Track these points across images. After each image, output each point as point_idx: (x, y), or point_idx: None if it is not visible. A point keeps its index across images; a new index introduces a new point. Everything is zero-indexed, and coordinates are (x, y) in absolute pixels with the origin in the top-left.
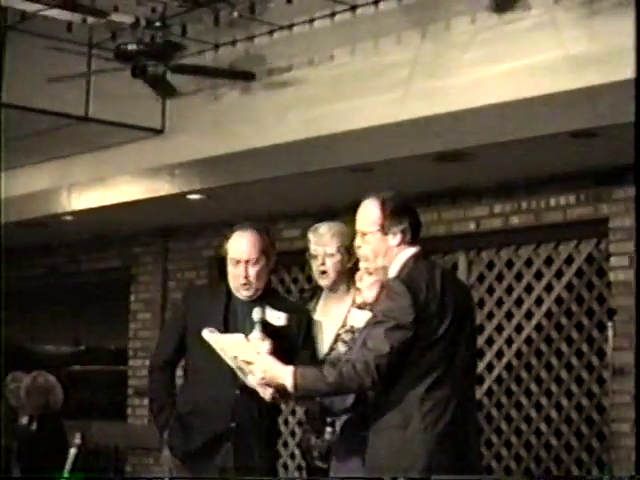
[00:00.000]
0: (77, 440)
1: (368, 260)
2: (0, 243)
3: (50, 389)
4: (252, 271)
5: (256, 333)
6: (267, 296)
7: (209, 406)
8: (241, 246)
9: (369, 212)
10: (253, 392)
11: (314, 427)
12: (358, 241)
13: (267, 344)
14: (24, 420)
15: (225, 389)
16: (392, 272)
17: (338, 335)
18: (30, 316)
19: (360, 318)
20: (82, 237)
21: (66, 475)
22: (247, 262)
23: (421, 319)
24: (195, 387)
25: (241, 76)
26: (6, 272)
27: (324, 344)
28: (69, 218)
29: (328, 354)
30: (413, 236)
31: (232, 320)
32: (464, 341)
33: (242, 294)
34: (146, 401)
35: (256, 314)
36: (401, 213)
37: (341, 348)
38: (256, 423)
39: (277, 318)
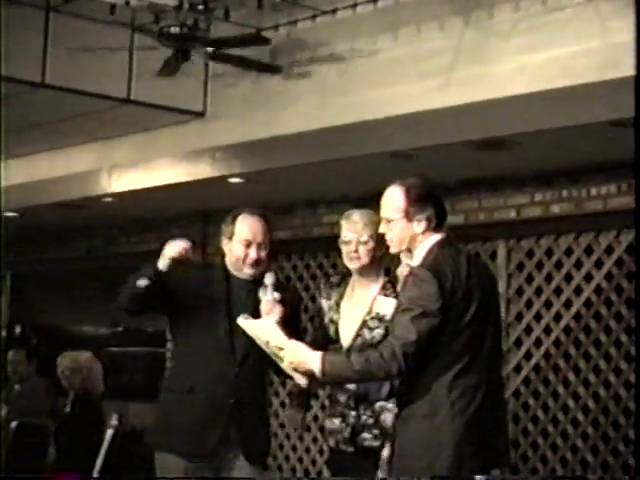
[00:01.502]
0: (114, 421)
1: (392, 247)
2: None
3: (91, 369)
4: (262, 253)
5: (269, 295)
6: (262, 278)
7: (209, 383)
8: (254, 228)
9: (393, 199)
10: (252, 369)
11: (337, 411)
12: (382, 228)
13: (279, 307)
14: (70, 399)
15: (225, 366)
16: (417, 259)
17: (364, 321)
18: (69, 297)
19: (386, 304)
20: (122, 219)
21: (102, 455)
22: (259, 244)
23: (447, 306)
24: (193, 365)
25: (270, 69)
26: (46, 253)
27: (351, 330)
28: (109, 200)
29: (354, 340)
30: (438, 223)
31: (233, 301)
32: (490, 327)
33: (246, 272)
34: None
35: (268, 278)
36: (425, 200)
37: (367, 334)
38: (254, 399)
39: (274, 279)
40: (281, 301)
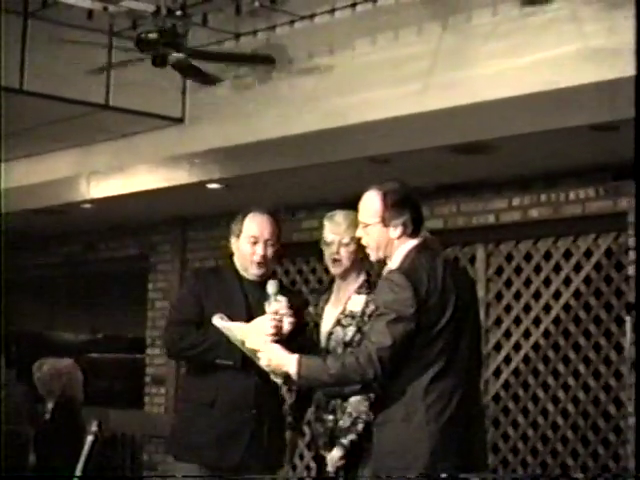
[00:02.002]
0: (94, 428)
1: (369, 251)
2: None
3: (71, 376)
4: (270, 250)
5: (275, 305)
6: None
7: (231, 395)
8: (261, 225)
9: (370, 204)
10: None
11: (318, 416)
12: (359, 232)
13: (289, 312)
14: (49, 406)
15: (248, 377)
16: (393, 264)
17: (338, 320)
18: (49, 303)
19: (358, 302)
20: (101, 225)
21: (82, 461)
22: (266, 241)
23: (423, 311)
24: (215, 376)
25: (261, 60)
26: (25, 259)
27: (326, 328)
28: (88, 206)
29: (328, 337)
30: (415, 228)
31: (250, 305)
32: (468, 332)
33: (253, 273)
34: (163, 389)
35: (271, 287)
36: (402, 206)
37: (340, 332)
38: (273, 407)
39: (280, 301)
40: (290, 306)
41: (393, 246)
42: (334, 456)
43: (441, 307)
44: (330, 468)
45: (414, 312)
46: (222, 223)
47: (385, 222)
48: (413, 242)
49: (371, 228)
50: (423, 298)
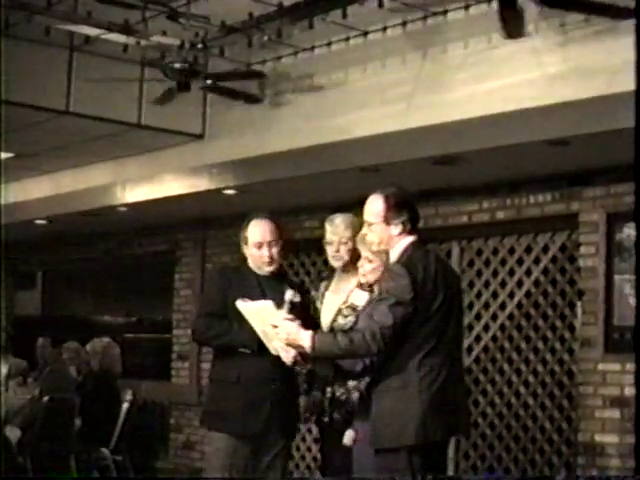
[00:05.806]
0: (129, 396)
1: (373, 245)
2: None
3: (108, 352)
4: (274, 251)
5: (284, 312)
6: (281, 274)
7: (254, 373)
8: (263, 231)
9: (375, 205)
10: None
11: (319, 387)
12: (364, 230)
13: (297, 321)
14: (80, 379)
15: (265, 358)
16: (393, 257)
17: (340, 310)
18: (91, 292)
19: (361, 297)
20: (134, 225)
21: (120, 425)
22: (270, 243)
23: (418, 297)
24: (238, 358)
25: (253, 75)
26: (72, 254)
27: (329, 316)
28: (123, 209)
29: (331, 324)
30: (412, 227)
31: (267, 297)
32: (453, 317)
33: (265, 270)
34: (187, 364)
35: (288, 295)
36: (402, 207)
37: (340, 321)
38: (288, 381)
39: (294, 295)
40: (301, 303)
41: (393, 242)
42: (349, 435)
43: (433, 295)
44: (346, 442)
45: (412, 298)
46: (236, 223)
47: (387, 221)
48: (410, 239)
49: (375, 226)
50: (419, 286)
